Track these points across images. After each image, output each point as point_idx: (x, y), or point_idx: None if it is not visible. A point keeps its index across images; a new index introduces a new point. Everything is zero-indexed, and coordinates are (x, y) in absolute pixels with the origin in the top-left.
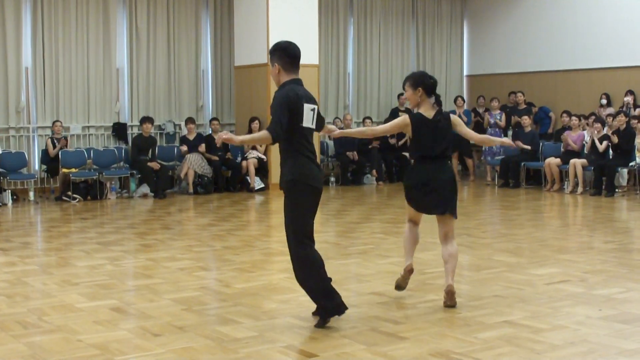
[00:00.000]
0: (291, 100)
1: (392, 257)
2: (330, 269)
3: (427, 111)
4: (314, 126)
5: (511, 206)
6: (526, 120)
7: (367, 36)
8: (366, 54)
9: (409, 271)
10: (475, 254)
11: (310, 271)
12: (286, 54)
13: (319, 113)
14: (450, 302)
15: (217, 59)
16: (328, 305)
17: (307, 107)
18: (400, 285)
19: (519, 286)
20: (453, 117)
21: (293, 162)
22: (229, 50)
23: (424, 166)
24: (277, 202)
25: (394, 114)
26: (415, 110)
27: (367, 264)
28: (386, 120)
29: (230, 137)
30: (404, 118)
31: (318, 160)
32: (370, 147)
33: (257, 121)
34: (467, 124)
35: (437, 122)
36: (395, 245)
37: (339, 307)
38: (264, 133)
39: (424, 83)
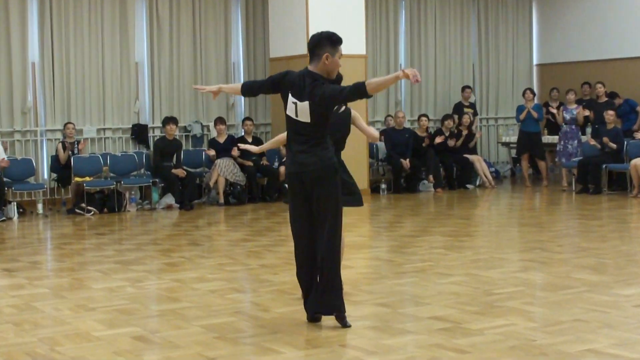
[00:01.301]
0: (286, 74)
1: (455, 275)
2: (383, 290)
3: None
4: (297, 118)
5: (591, 215)
6: (610, 116)
7: (421, 22)
8: (420, 42)
9: None
10: (550, 272)
11: None
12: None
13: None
14: None
15: (249, 50)
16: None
17: (290, 98)
18: None
19: (603, 309)
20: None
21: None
22: (262, 40)
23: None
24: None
25: (458, 109)
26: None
27: (426, 283)
28: (443, 118)
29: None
30: None
31: (364, 163)
32: (423, 144)
33: None
34: (538, 120)
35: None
36: (458, 261)
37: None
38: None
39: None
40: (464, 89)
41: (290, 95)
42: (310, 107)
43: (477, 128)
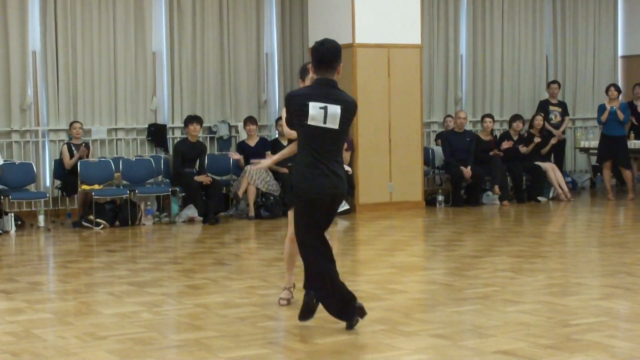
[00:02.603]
0: (289, 98)
1: (524, 302)
2: (441, 319)
3: None
4: (327, 125)
5: None
6: None
7: (486, 8)
8: (485, 31)
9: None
10: (637, 300)
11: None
12: (313, 55)
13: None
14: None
15: (285, 40)
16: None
17: (313, 105)
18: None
19: None
20: None
21: (295, 166)
22: (300, 27)
23: None
24: (366, 229)
25: (544, 108)
26: None
27: (490, 312)
28: (512, 120)
29: (261, 163)
30: None
31: (418, 171)
32: (491, 154)
33: None
34: (624, 121)
35: None
36: (528, 287)
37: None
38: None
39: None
40: (549, 84)
41: (311, 103)
42: (341, 112)
43: (566, 131)
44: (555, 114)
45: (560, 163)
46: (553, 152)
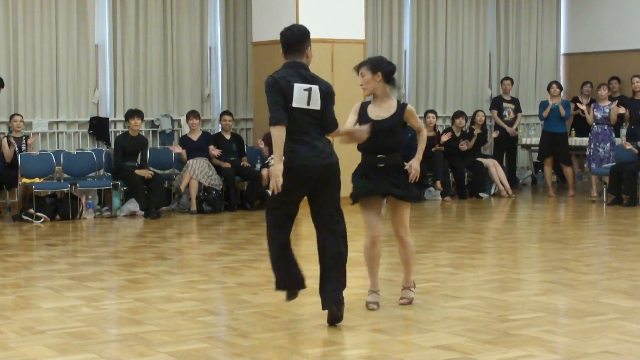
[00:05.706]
0: (272, 82)
1: (464, 298)
2: (381, 314)
3: (380, 104)
4: (310, 106)
5: (625, 231)
6: None
7: (430, 4)
8: (429, 27)
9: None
10: (575, 296)
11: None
12: (281, 40)
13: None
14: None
15: (228, 33)
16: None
17: (297, 86)
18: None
19: (636, 339)
20: (408, 107)
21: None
22: (244, 21)
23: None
24: (309, 225)
25: (497, 104)
26: (367, 98)
27: (430, 307)
28: (454, 116)
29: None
30: (355, 108)
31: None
32: (433, 150)
33: None
34: (565, 118)
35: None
36: (468, 282)
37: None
38: (272, 129)
39: (382, 68)
40: (502, 81)
41: (295, 85)
42: (320, 92)
43: (519, 127)
44: (508, 110)
45: (512, 160)
46: (505, 149)
